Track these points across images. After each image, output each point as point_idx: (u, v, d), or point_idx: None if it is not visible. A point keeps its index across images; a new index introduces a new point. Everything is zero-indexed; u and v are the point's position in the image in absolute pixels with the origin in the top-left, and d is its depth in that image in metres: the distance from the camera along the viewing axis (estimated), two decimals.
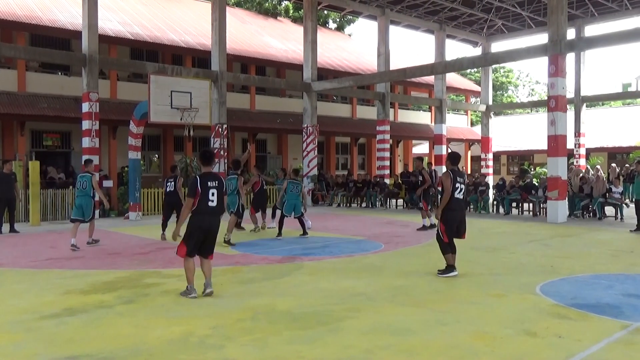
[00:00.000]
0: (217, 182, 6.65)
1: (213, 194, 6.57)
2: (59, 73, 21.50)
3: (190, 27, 25.57)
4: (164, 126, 21.44)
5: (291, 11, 37.59)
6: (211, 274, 6.83)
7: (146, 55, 23.53)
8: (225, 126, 19.91)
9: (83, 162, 11.85)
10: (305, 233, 12.41)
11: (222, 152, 19.62)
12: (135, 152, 17.34)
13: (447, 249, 7.78)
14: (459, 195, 7.77)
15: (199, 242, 6.60)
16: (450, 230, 7.78)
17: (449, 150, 32.31)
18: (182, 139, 22.16)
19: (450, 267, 7.75)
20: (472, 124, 40.02)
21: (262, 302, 6.33)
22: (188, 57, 23.91)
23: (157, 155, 24.77)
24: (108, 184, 18.99)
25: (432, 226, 13.44)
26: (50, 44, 20.60)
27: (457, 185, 7.72)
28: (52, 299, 6.59)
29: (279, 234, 12.27)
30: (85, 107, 17.05)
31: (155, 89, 16.16)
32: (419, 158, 15.54)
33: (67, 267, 8.77)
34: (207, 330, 5.26)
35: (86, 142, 17.04)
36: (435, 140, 28.39)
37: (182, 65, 22.26)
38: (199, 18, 27.00)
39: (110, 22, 22.11)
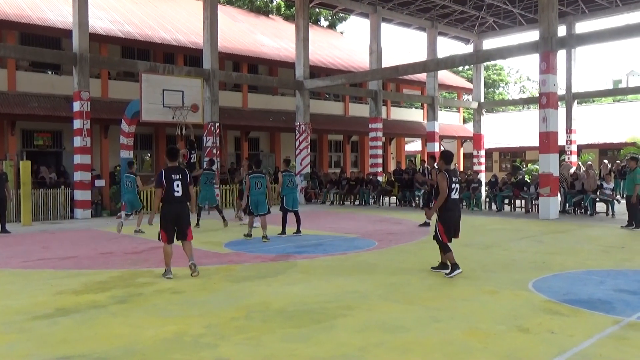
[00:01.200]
0: (180, 174, 7.65)
1: (178, 185, 7.56)
2: (50, 72, 21.37)
3: (181, 25, 25.48)
4: (156, 125, 21.35)
5: (283, 9, 37.52)
6: (192, 253, 7.82)
7: (137, 54, 23.42)
8: (217, 124, 19.86)
9: (127, 164, 14.37)
10: (299, 231, 12.40)
11: (214, 151, 19.58)
12: (127, 151, 17.28)
13: (448, 248, 7.74)
14: (455, 195, 7.74)
15: (174, 228, 7.62)
16: (449, 231, 7.74)
17: (442, 148, 32.42)
18: (175, 138, 22.08)
19: (454, 266, 7.62)
20: (465, 121, 40.13)
21: (255, 301, 6.33)
22: (180, 56, 23.82)
23: (149, 154, 24.68)
24: (100, 183, 18.92)
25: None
26: (40, 43, 20.46)
27: (453, 185, 7.68)
28: (44, 299, 6.55)
29: (283, 231, 12.23)
30: (76, 106, 16.97)
31: (146, 87, 16.09)
32: (432, 157, 15.11)
33: (60, 268, 8.73)
34: (201, 329, 5.26)
35: (77, 141, 16.97)
36: (428, 137, 28.45)
37: (173, 64, 22.19)
38: (191, 16, 26.91)
39: (101, 21, 21.99)
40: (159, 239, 7.77)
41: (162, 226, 7.64)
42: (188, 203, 7.83)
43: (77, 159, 17.05)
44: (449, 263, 7.73)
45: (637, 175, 12.95)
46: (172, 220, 7.59)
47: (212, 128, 19.61)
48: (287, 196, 12.22)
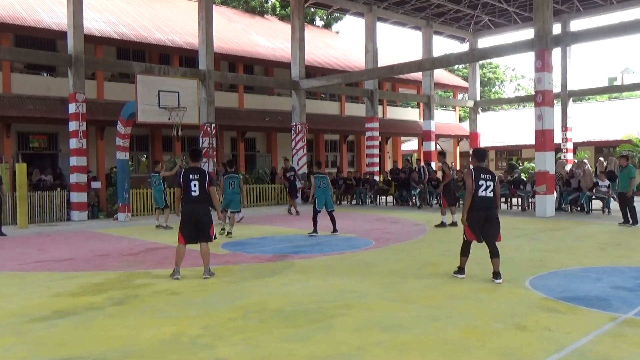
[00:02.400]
0: (198, 174, 7.62)
1: (195, 185, 7.55)
2: (45, 74, 21.31)
3: (177, 26, 25.45)
4: (152, 126, 21.33)
5: (278, 9, 37.51)
6: (208, 261, 7.73)
7: (133, 55, 23.38)
8: (213, 125, 19.85)
9: (153, 162, 15.57)
10: (335, 230, 12.41)
11: (210, 152, 19.56)
12: (124, 152, 17.23)
13: (462, 249, 7.44)
14: (482, 193, 7.14)
15: (192, 229, 7.58)
16: (472, 230, 7.26)
17: (438, 147, 32.48)
18: (171, 139, 22.07)
19: (459, 270, 7.47)
20: (461, 120, 40.17)
21: (253, 301, 6.33)
22: (175, 57, 23.80)
23: (145, 156, 24.64)
24: (96, 185, 18.88)
25: (453, 224, 13.46)
26: (35, 45, 20.43)
27: (481, 182, 7.13)
28: (41, 301, 6.54)
29: (314, 230, 12.19)
30: (71, 107, 16.94)
31: (142, 88, 16.05)
32: (441, 153, 15.12)
33: (56, 270, 8.71)
34: (199, 330, 5.25)
35: (73, 143, 16.93)
36: (424, 136, 28.49)
37: (169, 65, 22.18)
38: (186, 17, 26.88)
39: (96, 22, 21.94)
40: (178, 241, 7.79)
41: (180, 226, 7.68)
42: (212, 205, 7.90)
43: (73, 160, 17.01)
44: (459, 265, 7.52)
45: (630, 170, 13.01)
46: (191, 221, 7.57)
47: (209, 129, 19.59)
48: (319, 198, 12.33)
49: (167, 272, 8.01)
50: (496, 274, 7.12)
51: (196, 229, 7.58)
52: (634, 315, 5.47)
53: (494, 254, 7.18)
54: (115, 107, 19.28)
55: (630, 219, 13.10)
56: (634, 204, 13.24)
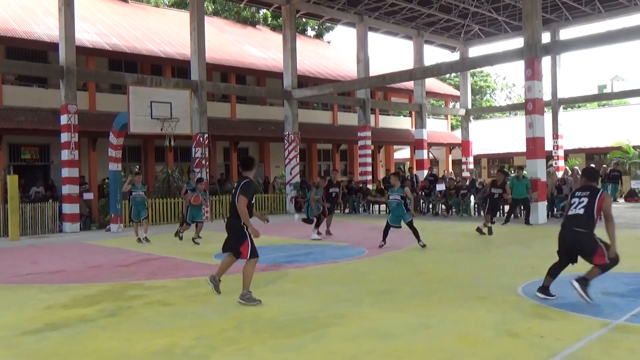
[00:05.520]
0: (236, 185, 6.87)
1: (235, 196, 6.80)
2: (36, 85, 21.26)
3: (168, 37, 25.50)
4: (145, 137, 21.30)
5: (269, 19, 37.66)
6: (246, 282, 6.79)
7: (125, 66, 23.39)
8: (206, 135, 19.85)
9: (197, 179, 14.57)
10: (420, 243, 11.26)
11: (203, 162, 19.55)
12: (116, 163, 17.21)
13: (550, 271, 6.77)
14: (572, 211, 6.43)
15: (227, 240, 7.00)
16: (559, 248, 6.68)
17: (431, 155, 32.60)
18: (164, 149, 22.05)
19: (544, 289, 6.68)
20: (453, 128, 40.36)
21: (246, 311, 6.32)
22: (167, 67, 23.82)
23: (138, 166, 24.58)
24: (89, 196, 18.80)
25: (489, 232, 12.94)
26: (26, 56, 20.40)
27: (574, 200, 6.47)
28: (33, 314, 6.50)
29: (383, 240, 11.56)
30: (63, 119, 16.91)
31: (134, 99, 16.07)
32: (502, 171, 14.82)
33: (48, 282, 8.66)
34: (191, 341, 5.24)
35: (65, 154, 16.88)
36: (416, 145, 28.59)
37: (161, 76, 22.18)
38: (178, 28, 26.93)
39: (88, 34, 21.95)
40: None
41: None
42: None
43: (65, 172, 16.95)
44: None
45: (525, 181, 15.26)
46: (227, 232, 6.97)
47: (201, 139, 19.60)
48: (393, 212, 11.53)
49: (161, 283, 7.99)
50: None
51: (229, 241, 6.98)
52: (626, 321, 5.51)
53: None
54: (107, 118, 19.25)
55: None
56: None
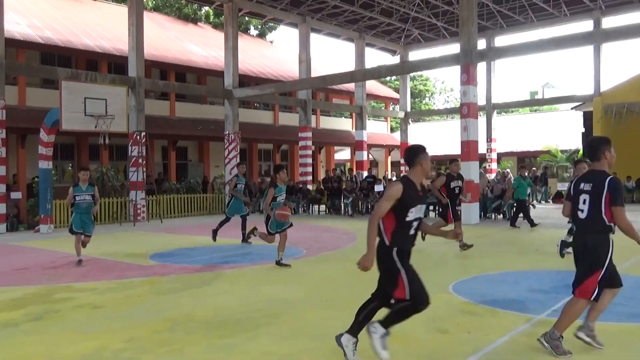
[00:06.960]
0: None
1: None
2: None
3: (105, 32, 24.71)
4: (78, 134, 20.55)
5: (212, 17, 37.15)
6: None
7: (58, 61, 22.48)
8: (143, 134, 19.38)
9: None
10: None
11: (140, 161, 19.08)
12: (47, 161, 16.52)
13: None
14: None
15: None
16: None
17: (370, 157, 33.07)
18: (98, 147, 21.34)
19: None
20: (392, 130, 41.11)
21: (180, 313, 6.22)
22: (103, 63, 23.10)
23: (70, 165, 23.70)
24: (16, 195, 17.95)
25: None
26: None
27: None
28: None
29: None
30: None
31: (67, 95, 15.52)
32: (455, 159, 12.21)
33: None
34: (122, 343, 5.12)
35: None
36: (357, 146, 28.94)
37: (97, 71, 21.46)
38: (116, 22, 26.11)
39: (19, 26, 20.97)
40: None
41: None
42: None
43: None
44: None
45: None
46: None
47: (138, 137, 19.11)
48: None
49: (91, 285, 7.73)
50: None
51: None
52: (547, 316, 5.78)
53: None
54: (38, 114, 18.44)
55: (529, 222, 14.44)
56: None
